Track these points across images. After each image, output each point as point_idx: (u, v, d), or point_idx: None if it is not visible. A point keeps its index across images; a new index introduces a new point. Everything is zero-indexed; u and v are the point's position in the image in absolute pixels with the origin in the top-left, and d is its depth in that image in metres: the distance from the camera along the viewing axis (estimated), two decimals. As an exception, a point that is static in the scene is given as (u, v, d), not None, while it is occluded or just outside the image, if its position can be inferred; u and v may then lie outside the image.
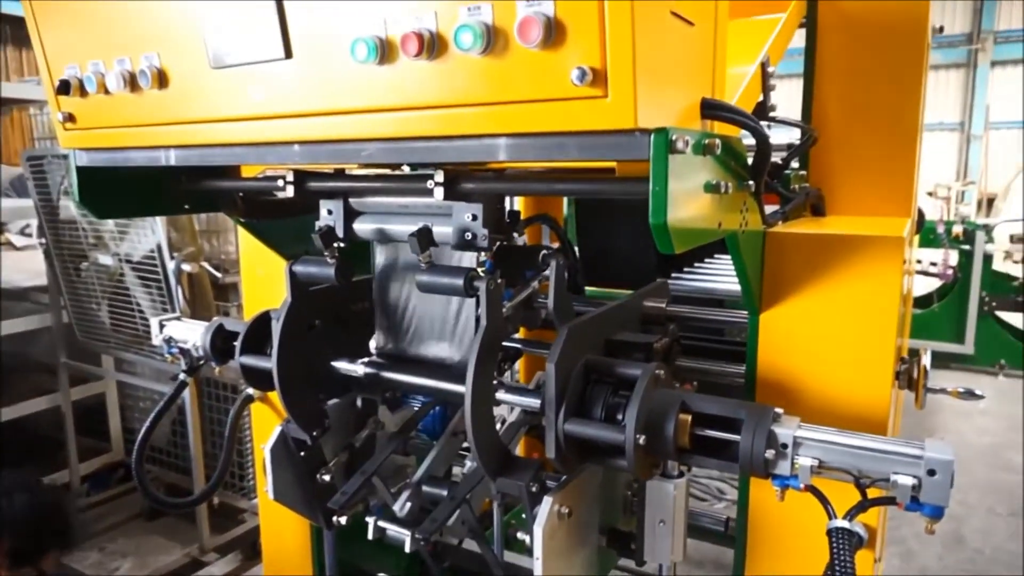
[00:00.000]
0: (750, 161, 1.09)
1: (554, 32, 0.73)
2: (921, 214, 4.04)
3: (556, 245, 1.88)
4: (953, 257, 5.92)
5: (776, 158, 1.55)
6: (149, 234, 2.75)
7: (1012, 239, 6.18)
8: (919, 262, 6.41)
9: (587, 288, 2.02)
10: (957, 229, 5.72)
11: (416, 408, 1.65)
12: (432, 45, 0.80)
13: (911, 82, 1.48)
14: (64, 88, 1.18)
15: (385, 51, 0.84)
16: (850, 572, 0.97)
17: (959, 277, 5.86)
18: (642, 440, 1.08)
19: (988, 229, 5.76)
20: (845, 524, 1.01)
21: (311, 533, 2.04)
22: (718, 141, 0.88)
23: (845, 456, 1.02)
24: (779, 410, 1.08)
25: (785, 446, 1.04)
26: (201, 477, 3.05)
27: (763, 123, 1.43)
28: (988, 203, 15.30)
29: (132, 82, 1.11)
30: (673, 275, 1.79)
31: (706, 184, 0.90)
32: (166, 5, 1.02)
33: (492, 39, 0.77)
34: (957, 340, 5.82)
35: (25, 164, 3.09)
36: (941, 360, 5.98)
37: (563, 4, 0.73)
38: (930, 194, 15.20)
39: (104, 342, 3.17)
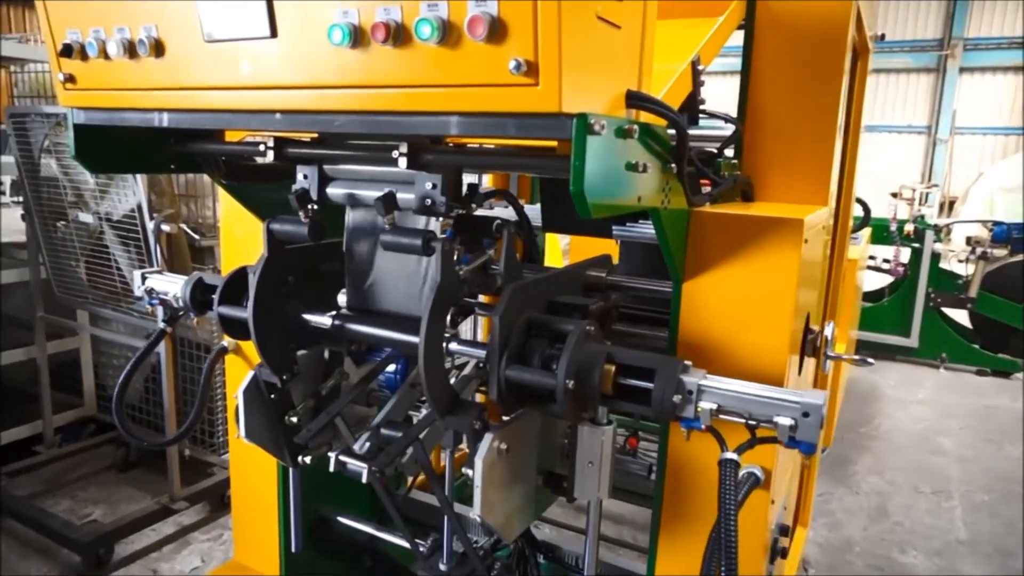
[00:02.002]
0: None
1: (497, 29, 0.89)
2: (867, 209, 4.27)
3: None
4: (905, 254, 6.20)
5: (714, 148, 1.74)
6: (130, 194, 2.85)
7: (968, 241, 6.44)
8: (873, 258, 6.70)
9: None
10: (909, 228, 5.98)
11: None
12: (397, 34, 0.95)
13: (831, 84, 1.66)
14: (67, 51, 1.30)
15: (358, 36, 0.99)
16: (733, 494, 1.15)
17: (908, 274, 6.15)
18: (571, 385, 1.25)
19: (937, 229, 6.04)
20: (734, 456, 1.19)
21: (278, 477, 2.19)
22: (636, 127, 1.04)
23: (739, 402, 1.20)
24: (688, 363, 1.26)
25: (691, 392, 1.22)
26: (174, 432, 3.17)
27: (698, 115, 1.61)
28: (950, 205, 15.77)
29: (131, 49, 1.24)
30: (628, 223, 1.92)
31: (626, 163, 1.06)
32: (166, -17, 1.15)
33: (447, 32, 0.92)
34: (903, 334, 6.12)
35: (8, 121, 3.16)
36: (887, 352, 6.29)
37: (505, 5, 0.88)
38: (895, 195, 15.63)
39: (82, 298, 3.27)
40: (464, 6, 0.90)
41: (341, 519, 2.29)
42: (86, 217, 3.03)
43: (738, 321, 1.39)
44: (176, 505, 3.09)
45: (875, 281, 6.90)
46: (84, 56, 1.30)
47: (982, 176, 13.35)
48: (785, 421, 1.15)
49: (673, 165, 1.24)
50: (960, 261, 6.03)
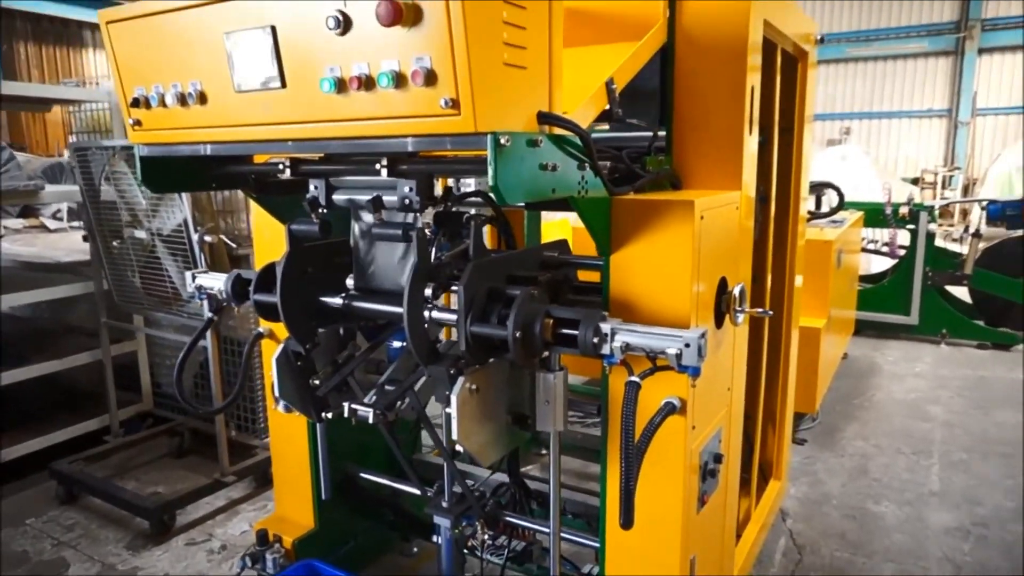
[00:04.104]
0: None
1: (431, 78, 1.29)
2: (840, 195, 4.58)
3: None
4: (902, 236, 6.44)
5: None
6: (177, 212, 3.33)
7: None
8: (874, 242, 6.94)
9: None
10: (904, 210, 6.22)
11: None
12: (367, 83, 1.36)
13: (736, 90, 2.03)
14: (135, 103, 1.75)
15: (340, 86, 1.40)
16: (632, 407, 1.54)
17: (906, 255, 6.38)
18: (519, 335, 1.65)
19: (931, 209, 6.26)
20: (635, 379, 1.58)
21: (309, 442, 2.62)
22: (542, 138, 1.44)
23: (641, 339, 1.58)
24: (605, 313, 1.65)
25: (606, 335, 1.61)
26: (222, 420, 3.65)
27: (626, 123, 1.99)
28: (973, 187, 15.70)
29: (182, 100, 1.67)
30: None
31: (539, 164, 1.46)
32: (207, 51, 1.58)
33: (398, 81, 1.33)
34: (903, 312, 6.35)
35: (72, 154, 3.67)
36: (890, 331, 6.53)
37: (436, 61, 1.28)
38: (915, 181, 15.60)
39: (138, 304, 3.76)
40: (409, 62, 1.31)
41: (363, 475, 2.72)
42: (140, 234, 3.52)
43: (652, 283, 1.77)
44: (226, 479, 3.55)
45: (881, 265, 7.14)
46: (148, 106, 1.75)
47: (1000, 157, 13.34)
48: (672, 351, 1.54)
49: (587, 164, 1.62)
50: (955, 240, 6.24)
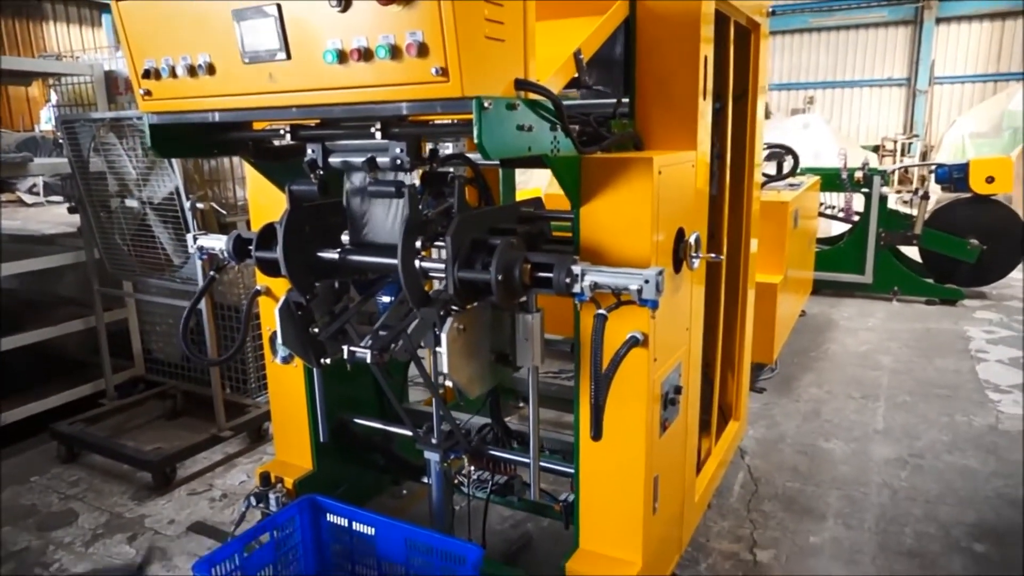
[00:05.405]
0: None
1: (423, 49, 1.50)
2: (795, 158, 4.85)
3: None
4: (857, 201, 6.77)
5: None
6: (167, 180, 3.47)
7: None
8: (832, 207, 7.27)
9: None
10: (859, 175, 6.53)
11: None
12: (366, 55, 1.56)
13: (691, 60, 2.25)
14: (147, 74, 1.92)
15: (342, 57, 1.59)
16: (600, 337, 1.78)
17: (859, 220, 6.71)
18: (500, 278, 1.87)
19: (884, 174, 6.59)
20: (603, 311, 1.82)
21: (306, 390, 2.83)
22: (519, 102, 1.65)
23: (607, 278, 1.82)
24: (576, 257, 1.88)
25: (577, 276, 1.85)
26: (218, 379, 3.83)
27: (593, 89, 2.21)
28: (931, 154, 16.21)
29: (192, 71, 1.84)
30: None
31: (516, 125, 1.67)
32: (217, 26, 1.75)
33: (394, 52, 1.52)
34: (858, 271, 6.71)
35: (61, 127, 3.77)
36: (846, 289, 6.90)
37: (427, 35, 1.49)
38: (876, 148, 16.01)
39: (130, 271, 3.91)
40: (403, 36, 1.51)
41: (357, 420, 2.95)
42: (131, 203, 3.66)
43: (617, 231, 2.01)
44: (223, 434, 3.76)
45: (840, 228, 7.48)
46: (158, 77, 1.92)
47: (954, 124, 13.80)
48: (634, 286, 1.78)
49: (559, 126, 1.84)
50: (904, 202, 6.59)
